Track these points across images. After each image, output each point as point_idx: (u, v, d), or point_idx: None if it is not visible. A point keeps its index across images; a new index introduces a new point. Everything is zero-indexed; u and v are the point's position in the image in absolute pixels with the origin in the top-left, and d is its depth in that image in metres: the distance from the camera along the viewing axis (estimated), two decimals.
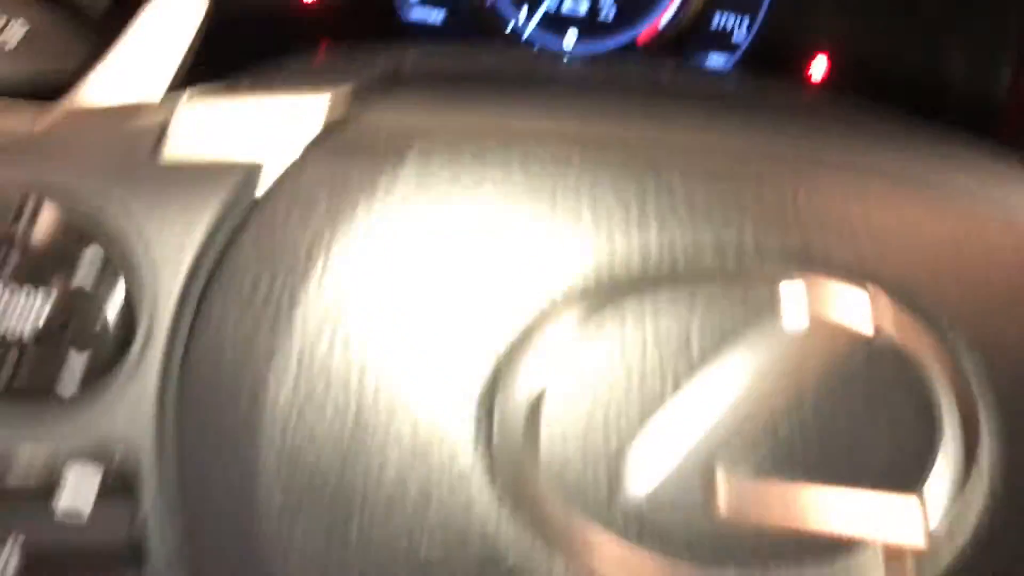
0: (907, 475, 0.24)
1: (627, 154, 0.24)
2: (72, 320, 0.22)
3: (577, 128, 0.25)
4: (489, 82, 0.27)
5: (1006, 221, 0.25)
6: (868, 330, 0.24)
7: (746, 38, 0.65)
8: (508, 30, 0.63)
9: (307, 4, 0.61)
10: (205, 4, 0.28)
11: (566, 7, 0.64)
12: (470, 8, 0.63)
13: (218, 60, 0.28)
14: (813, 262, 0.24)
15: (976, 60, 0.59)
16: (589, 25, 0.64)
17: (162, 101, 0.25)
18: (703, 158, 0.25)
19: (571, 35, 0.64)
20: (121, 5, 0.30)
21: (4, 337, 0.21)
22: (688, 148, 0.25)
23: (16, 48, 0.33)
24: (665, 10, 0.64)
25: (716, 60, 0.65)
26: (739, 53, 0.65)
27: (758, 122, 0.27)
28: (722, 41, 0.65)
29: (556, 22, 0.64)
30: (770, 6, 0.64)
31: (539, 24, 0.64)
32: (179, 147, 0.23)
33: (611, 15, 0.64)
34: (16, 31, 0.34)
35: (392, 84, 0.26)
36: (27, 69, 0.33)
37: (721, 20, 0.65)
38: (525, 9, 0.63)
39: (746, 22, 0.65)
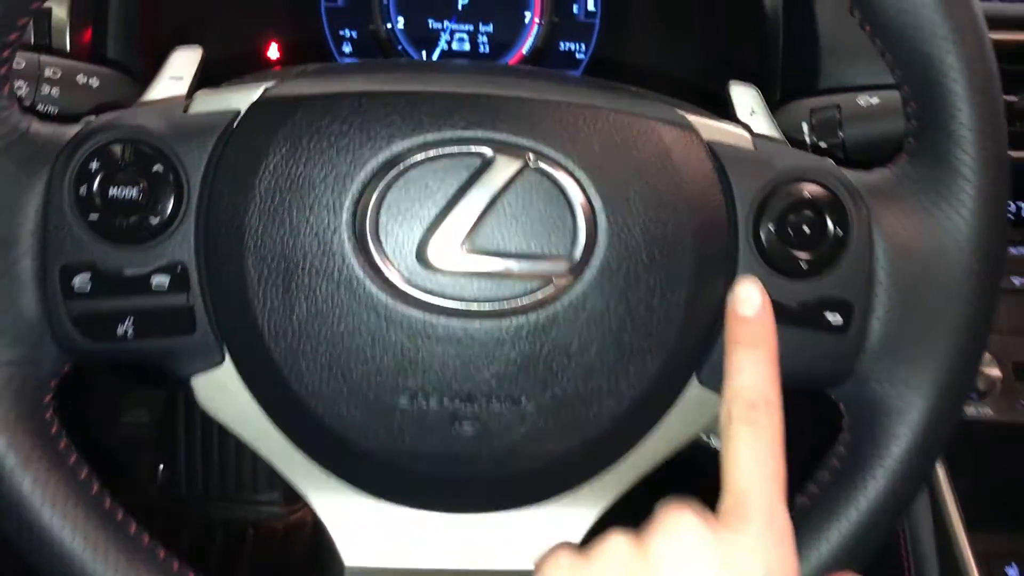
0: (559, 236, 0.42)
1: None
2: (152, 197, 0.43)
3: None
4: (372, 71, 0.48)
5: (645, 124, 0.44)
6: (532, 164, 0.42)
7: (586, 57, 0.91)
8: None
9: (272, 60, 0.88)
10: (199, 54, 0.52)
11: (455, 46, 0.90)
12: (384, 52, 0.89)
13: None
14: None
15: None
16: (472, 56, 0.90)
17: (186, 96, 0.49)
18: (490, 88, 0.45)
19: None
20: (153, 65, 0.55)
21: (122, 200, 0.43)
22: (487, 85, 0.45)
23: (96, 88, 0.60)
24: (526, 40, 0.90)
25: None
26: (582, 67, 0.91)
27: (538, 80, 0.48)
28: (569, 60, 0.91)
29: (448, 56, 0.90)
30: (599, 34, 0.90)
31: (437, 59, 0.90)
32: (196, 108, 0.45)
33: (488, 48, 0.90)
34: (95, 80, 0.61)
35: (299, 76, 0.49)
36: (102, 99, 0.60)
37: (566, 46, 0.91)
38: (424, 51, 0.89)
39: (583, 47, 0.91)
